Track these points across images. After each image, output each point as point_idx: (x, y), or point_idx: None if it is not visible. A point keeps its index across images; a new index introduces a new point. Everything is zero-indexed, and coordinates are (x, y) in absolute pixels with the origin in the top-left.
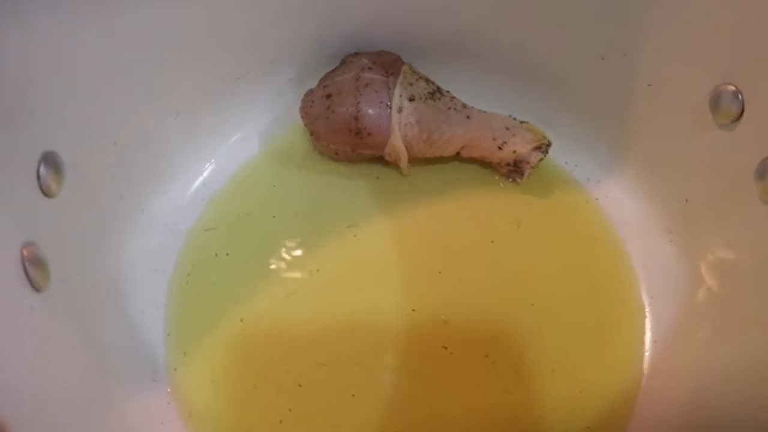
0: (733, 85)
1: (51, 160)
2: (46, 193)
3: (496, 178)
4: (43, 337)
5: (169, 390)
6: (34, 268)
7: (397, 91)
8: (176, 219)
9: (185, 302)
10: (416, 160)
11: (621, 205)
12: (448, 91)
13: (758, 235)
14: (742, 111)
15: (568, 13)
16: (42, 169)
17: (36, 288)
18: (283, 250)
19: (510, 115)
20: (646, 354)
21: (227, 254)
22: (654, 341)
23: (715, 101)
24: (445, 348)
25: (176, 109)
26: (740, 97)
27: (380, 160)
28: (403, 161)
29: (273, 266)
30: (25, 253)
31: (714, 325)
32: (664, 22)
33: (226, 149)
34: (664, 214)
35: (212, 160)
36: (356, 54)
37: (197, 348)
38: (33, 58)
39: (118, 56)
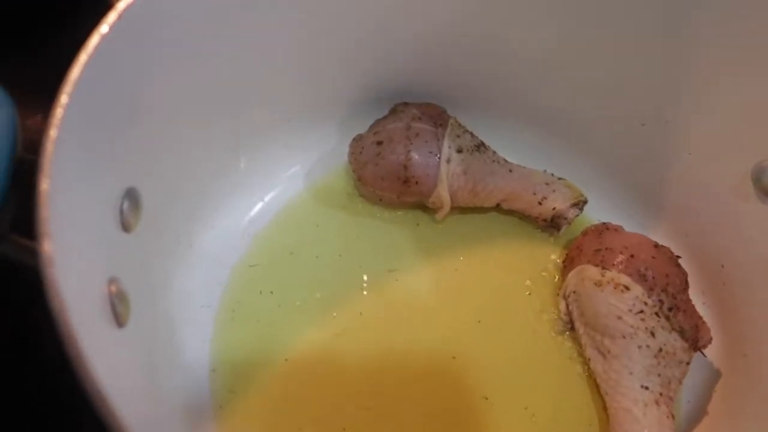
0: None
1: (133, 196)
2: (125, 228)
3: (531, 229)
4: (120, 373)
5: (215, 428)
6: (120, 304)
7: (446, 142)
8: (222, 255)
9: (230, 339)
10: (455, 209)
11: None
12: (489, 146)
13: None
14: None
15: (613, 78)
16: (125, 205)
17: (119, 324)
18: (327, 290)
19: (545, 171)
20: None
21: (271, 292)
22: (687, 401)
23: (758, 175)
24: (486, 399)
25: (234, 147)
26: None
27: (420, 205)
28: (445, 209)
29: (316, 307)
30: (112, 289)
31: (749, 399)
32: (709, 95)
33: (274, 188)
34: (698, 278)
35: (260, 198)
36: (405, 104)
37: (243, 386)
38: (129, 96)
39: (196, 98)
